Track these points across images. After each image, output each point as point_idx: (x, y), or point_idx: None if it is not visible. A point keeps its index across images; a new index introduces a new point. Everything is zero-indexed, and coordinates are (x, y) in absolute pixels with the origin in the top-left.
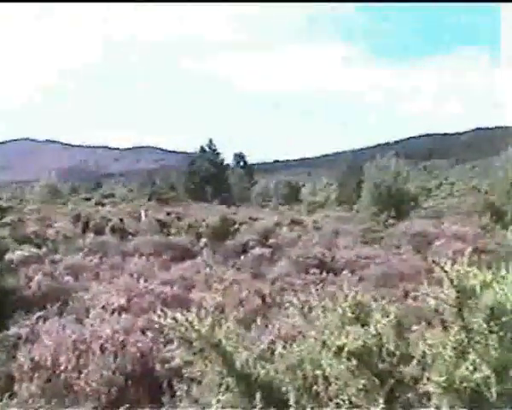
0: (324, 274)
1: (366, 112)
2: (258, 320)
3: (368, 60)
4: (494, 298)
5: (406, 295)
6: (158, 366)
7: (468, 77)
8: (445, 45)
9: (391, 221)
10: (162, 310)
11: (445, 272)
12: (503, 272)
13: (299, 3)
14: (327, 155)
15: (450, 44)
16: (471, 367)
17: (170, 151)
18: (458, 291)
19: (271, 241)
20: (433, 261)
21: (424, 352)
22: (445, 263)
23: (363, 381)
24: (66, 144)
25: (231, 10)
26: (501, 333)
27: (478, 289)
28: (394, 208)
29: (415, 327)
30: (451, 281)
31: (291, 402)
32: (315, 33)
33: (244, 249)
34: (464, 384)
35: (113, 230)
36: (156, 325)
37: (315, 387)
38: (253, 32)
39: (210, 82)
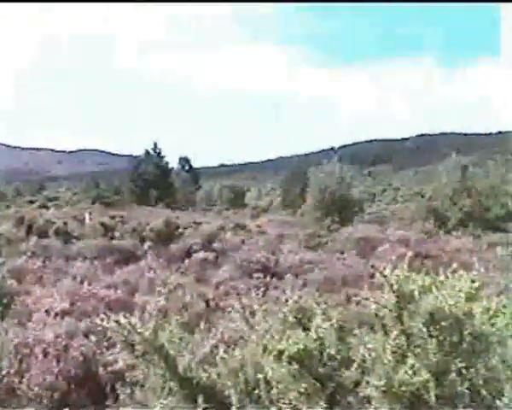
0: (268, 278)
1: (312, 117)
2: (202, 324)
3: (312, 62)
4: (433, 303)
5: (349, 299)
6: (101, 370)
7: (414, 83)
8: (391, 49)
9: (335, 226)
10: (105, 314)
11: (385, 277)
12: (442, 277)
13: (239, 3)
14: (272, 160)
15: (396, 49)
16: (410, 371)
17: (114, 154)
18: (398, 296)
19: (215, 245)
20: (372, 266)
21: (364, 356)
22: (385, 268)
23: (304, 385)
24: (8, 146)
25: (166, 10)
26: (440, 337)
27: (417, 293)
28: (338, 213)
29: (356, 331)
30: (391, 286)
31: (233, 406)
32: (255, 34)
33: (188, 253)
34: (403, 388)
35: (56, 233)
36: (99, 329)
37: (257, 390)
38: (194, 32)
39: (155, 85)
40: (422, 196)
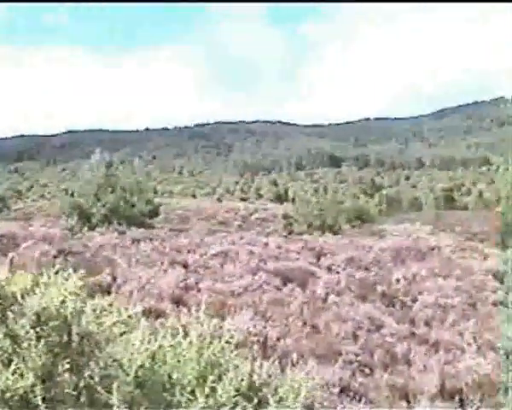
0: None
1: None
2: None
3: None
4: (39, 303)
5: None
6: None
7: (58, 77)
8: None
9: None
10: None
11: None
12: (45, 277)
13: None
14: None
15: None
16: (14, 376)
17: None
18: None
19: None
20: None
21: None
22: None
23: None
24: None
25: None
26: (49, 338)
27: (19, 295)
28: None
29: None
30: None
31: None
32: None
33: None
34: (8, 394)
35: None
36: None
37: None
38: None
39: None
40: (68, 193)
